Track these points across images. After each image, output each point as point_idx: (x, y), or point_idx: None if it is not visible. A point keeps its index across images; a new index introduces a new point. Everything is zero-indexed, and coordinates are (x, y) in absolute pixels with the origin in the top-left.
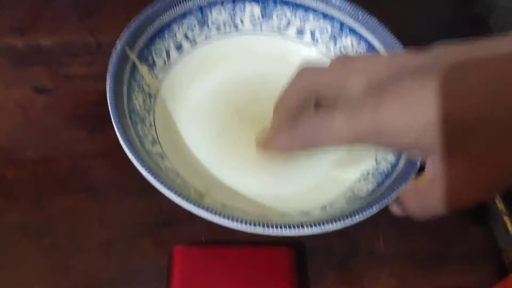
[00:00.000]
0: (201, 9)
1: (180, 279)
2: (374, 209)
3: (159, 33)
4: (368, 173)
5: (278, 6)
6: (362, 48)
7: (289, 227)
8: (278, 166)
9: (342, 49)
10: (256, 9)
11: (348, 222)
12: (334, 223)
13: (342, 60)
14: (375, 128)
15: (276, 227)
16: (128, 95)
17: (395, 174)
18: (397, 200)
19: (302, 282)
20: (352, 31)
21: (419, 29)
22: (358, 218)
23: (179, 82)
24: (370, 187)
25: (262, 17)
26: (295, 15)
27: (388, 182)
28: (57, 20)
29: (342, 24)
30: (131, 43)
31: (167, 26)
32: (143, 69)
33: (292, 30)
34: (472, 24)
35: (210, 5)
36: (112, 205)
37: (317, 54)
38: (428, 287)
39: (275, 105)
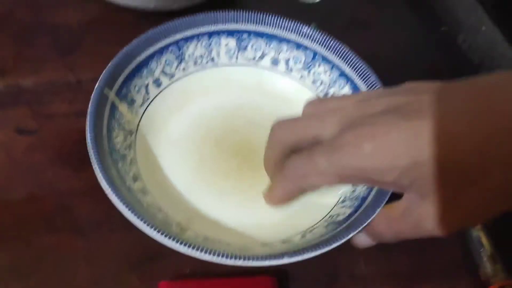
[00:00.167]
0: (177, 44)
1: None
2: (353, 234)
3: (137, 70)
4: (345, 198)
5: (253, 38)
6: (334, 75)
7: (270, 258)
8: (258, 194)
9: (316, 76)
10: (232, 42)
11: (327, 248)
12: (314, 250)
13: (314, 104)
14: (358, 166)
15: (257, 259)
16: (109, 134)
17: (370, 198)
18: (367, 228)
19: None
20: (325, 59)
21: (390, 50)
22: (337, 244)
23: (159, 117)
24: (348, 211)
25: (238, 49)
26: (269, 46)
27: (364, 206)
28: (37, 59)
29: (315, 54)
30: (110, 83)
31: (145, 63)
32: (122, 107)
33: (267, 60)
34: (442, 42)
35: (187, 41)
36: (97, 243)
37: (292, 82)
38: None
39: (263, 163)
